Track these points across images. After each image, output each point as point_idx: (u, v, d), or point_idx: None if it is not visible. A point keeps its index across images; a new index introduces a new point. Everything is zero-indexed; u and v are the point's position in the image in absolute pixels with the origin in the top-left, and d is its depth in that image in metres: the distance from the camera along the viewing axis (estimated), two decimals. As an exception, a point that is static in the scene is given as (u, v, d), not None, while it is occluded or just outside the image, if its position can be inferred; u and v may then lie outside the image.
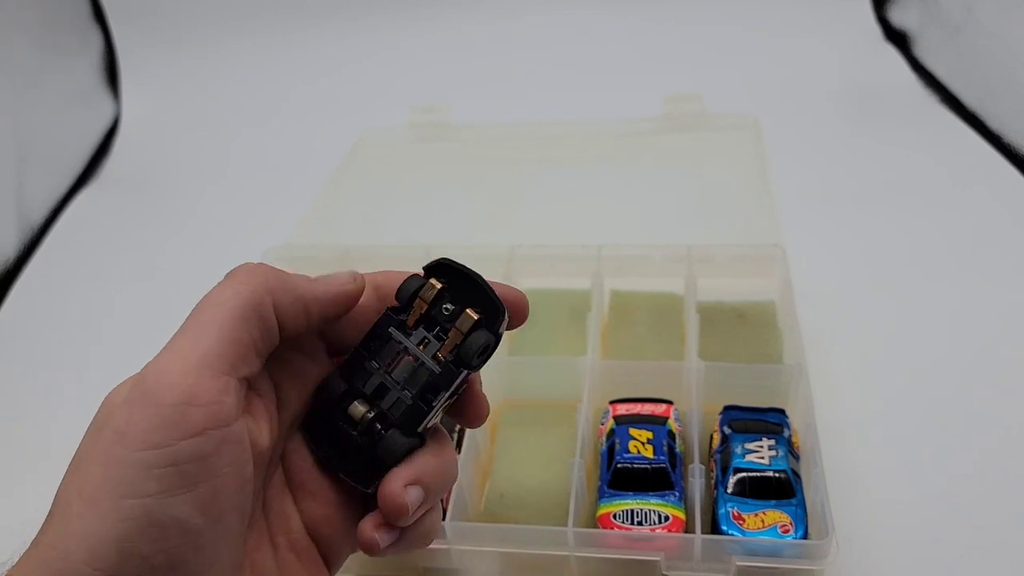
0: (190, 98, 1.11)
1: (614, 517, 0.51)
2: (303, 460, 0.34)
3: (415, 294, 0.34)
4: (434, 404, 0.33)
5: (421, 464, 0.33)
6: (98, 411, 0.30)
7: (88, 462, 0.28)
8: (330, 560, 0.35)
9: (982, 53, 0.90)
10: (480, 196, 0.89)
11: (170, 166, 1.04)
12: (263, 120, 1.08)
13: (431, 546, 0.51)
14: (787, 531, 0.49)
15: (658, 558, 0.49)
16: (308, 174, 0.94)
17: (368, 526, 0.33)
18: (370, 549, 0.33)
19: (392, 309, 0.35)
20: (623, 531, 0.50)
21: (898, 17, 1.03)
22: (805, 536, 0.49)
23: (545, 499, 0.55)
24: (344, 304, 0.34)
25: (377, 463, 0.33)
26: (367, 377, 0.34)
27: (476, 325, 0.34)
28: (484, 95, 1.02)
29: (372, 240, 0.82)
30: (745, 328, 0.66)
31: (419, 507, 0.33)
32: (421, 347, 0.34)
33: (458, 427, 0.59)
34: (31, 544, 0.28)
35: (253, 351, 0.31)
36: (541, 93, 1.02)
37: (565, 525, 0.50)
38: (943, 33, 0.95)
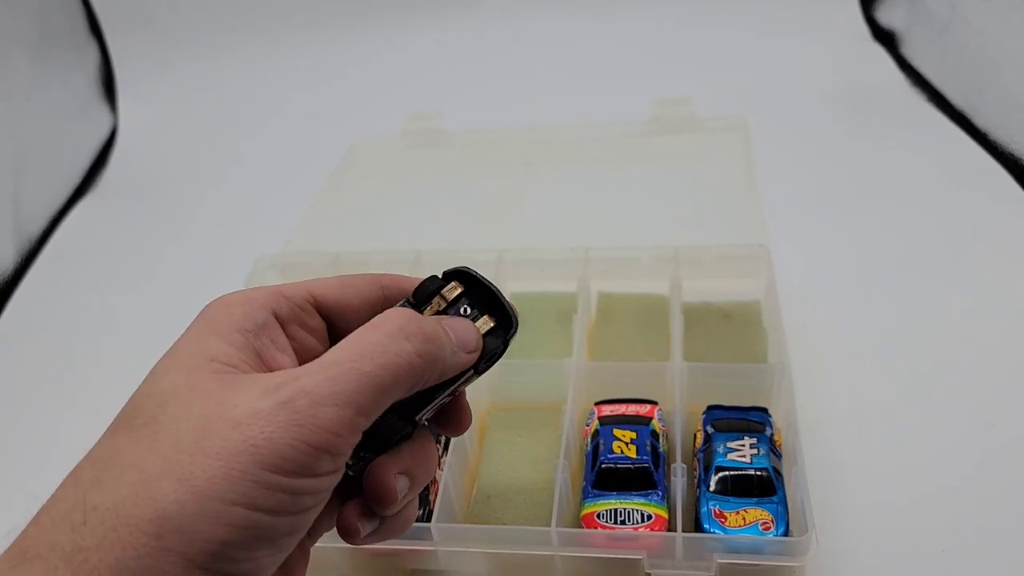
0: (185, 109, 1.13)
1: (598, 517, 0.52)
2: None
3: (435, 292, 0.36)
4: (435, 397, 0.34)
5: (409, 455, 0.34)
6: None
7: (198, 461, 0.27)
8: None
9: (968, 52, 0.90)
10: (471, 201, 0.90)
11: (166, 176, 1.05)
12: (258, 129, 1.09)
13: (418, 548, 0.52)
14: (768, 528, 0.50)
15: (640, 556, 0.50)
16: (304, 181, 0.94)
17: (352, 513, 0.33)
18: (351, 536, 0.33)
19: (407, 303, 0.36)
20: (606, 530, 0.51)
21: (886, 17, 1.03)
22: (786, 533, 0.50)
23: (532, 500, 0.56)
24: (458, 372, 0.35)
25: (369, 444, 0.33)
26: None
27: (490, 331, 0.36)
28: (476, 100, 1.03)
29: (366, 246, 0.83)
30: (731, 328, 0.67)
31: (404, 496, 0.34)
32: None
33: (445, 430, 0.60)
34: (69, 499, 0.27)
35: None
36: (532, 98, 1.03)
37: (549, 525, 0.51)
38: (930, 32, 0.96)
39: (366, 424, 0.30)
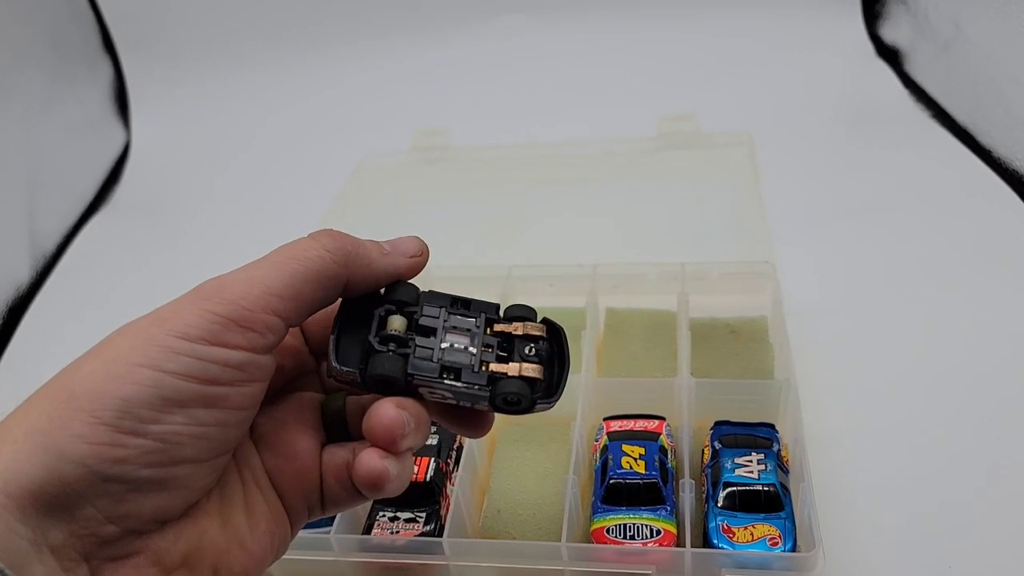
0: (197, 125, 1.14)
1: (607, 532, 0.53)
2: (263, 415, 0.36)
3: (521, 317, 0.37)
4: (447, 381, 0.35)
5: (409, 402, 0.35)
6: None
7: (115, 339, 0.31)
8: (291, 516, 0.36)
9: (972, 69, 0.91)
10: (479, 217, 0.91)
11: (179, 192, 1.06)
12: (269, 146, 1.10)
13: (430, 562, 0.53)
14: (776, 544, 0.50)
15: (650, 572, 0.50)
16: (313, 197, 0.96)
17: (372, 456, 0.34)
18: (381, 481, 0.34)
19: (489, 311, 0.37)
20: (615, 545, 0.52)
21: (890, 34, 1.04)
22: (794, 548, 0.50)
23: (541, 515, 0.57)
24: (409, 275, 0.37)
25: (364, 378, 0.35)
26: (432, 315, 0.36)
27: (529, 380, 0.35)
28: (483, 117, 1.04)
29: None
30: (737, 344, 0.68)
31: (407, 437, 0.34)
32: (482, 347, 0.36)
33: (456, 444, 0.61)
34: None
35: (308, 310, 0.34)
36: (538, 114, 1.04)
37: (560, 540, 0.51)
38: (934, 49, 0.97)
39: (280, 305, 0.32)
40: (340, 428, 0.37)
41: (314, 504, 0.36)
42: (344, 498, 0.36)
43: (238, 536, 0.34)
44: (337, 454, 0.36)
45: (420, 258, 0.37)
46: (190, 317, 0.31)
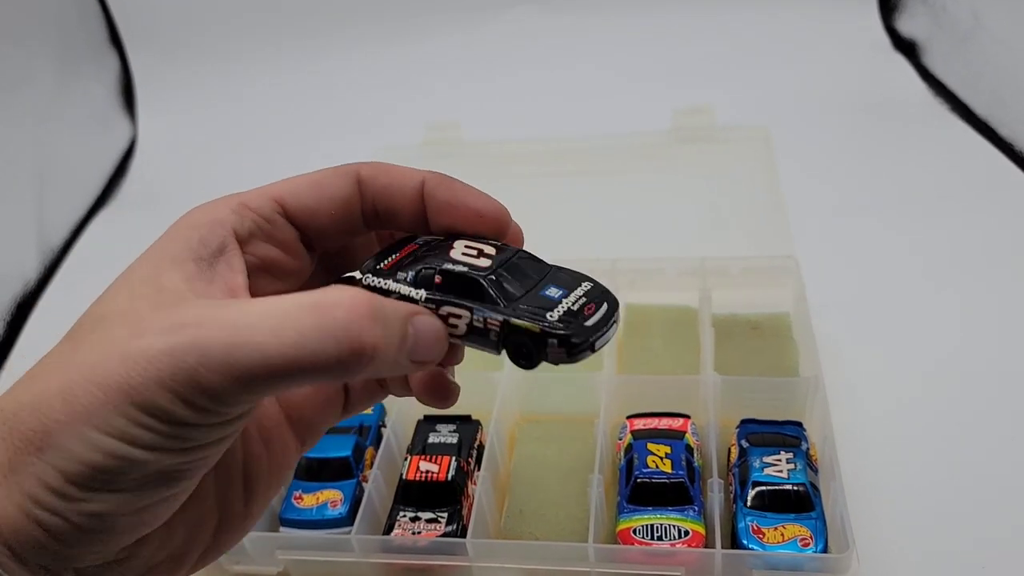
0: (205, 119, 1.13)
1: (634, 532, 0.52)
2: None
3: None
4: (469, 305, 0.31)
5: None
6: None
7: (92, 372, 0.27)
8: (305, 437, 0.36)
9: (991, 61, 0.90)
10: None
11: (186, 186, 1.05)
12: (278, 140, 1.09)
13: (453, 563, 0.52)
14: (807, 544, 0.49)
15: (679, 573, 0.49)
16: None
17: (440, 375, 0.34)
18: (450, 393, 0.35)
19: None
20: (643, 546, 0.51)
21: (907, 27, 1.03)
22: (825, 549, 0.49)
23: (564, 514, 0.56)
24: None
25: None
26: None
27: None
28: (496, 111, 1.03)
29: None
30: (760, 340, 0.67)
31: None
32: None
33: (476, 442, 0.60)
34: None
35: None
36: (553, 107, 1.03)
37: (584, 541, 0.50)
38: (952, 42, 0.96)
39: (252, 398, 0.28)
40: None
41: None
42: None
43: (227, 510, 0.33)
44: None
45: (428, 364, 0.31)
46: (156, 398, 0.27)
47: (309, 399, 0.36)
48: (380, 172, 0.34)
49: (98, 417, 0.26)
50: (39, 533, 0.27)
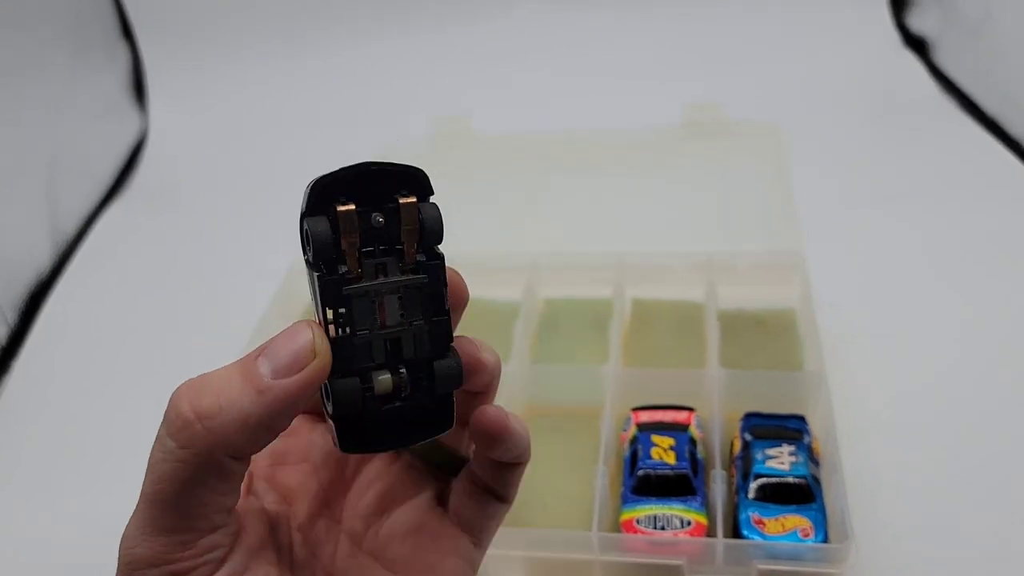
0: (216, 111, 1.13)
1: (637, 522, 0.52)
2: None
3: (335, 239, 0.27)
4: (446, 307, 0.29)
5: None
6: None
7: None
8: None
9: (1002, 58, 0.90)
10: (501, 205, 0.90)
11: (197, 178, 1.06)
12: (288, 132, 1.10)
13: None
14: (807, 535, 0.50)
15: (681, 562, 0.50)
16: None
17: (496, 411, 0.31)
18: (507, 432, 0.32)
19: (324, 274, 0.27)
20: (646, 536, 0.51)
21: (917, 23, 1.03)
22: (825, 540, 0.50)
23: (569, 505, 0.56)
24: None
25: (440, 400, 0.30)
26: (366, 350, 0.28)
27: (417, 206, 0.28)
28: (504, 104, 1.03)
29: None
30: (765, 335, 0.67)
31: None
32: (384, 276, 0.28)
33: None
34: None
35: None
36: (562, 101, 1.03)
37: (589, 530, 0.51)
38: (962, 39, 0.96)
39: (182, 543, 0.27)
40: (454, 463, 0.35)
41: None
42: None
43: None
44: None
45: (300, 376, 0.26)
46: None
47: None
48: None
49: None
50: None
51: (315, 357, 0.26)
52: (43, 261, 0.89)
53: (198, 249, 0.93)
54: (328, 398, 0.28)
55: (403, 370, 0.29)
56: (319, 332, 0.27)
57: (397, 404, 0.29)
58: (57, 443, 0.70)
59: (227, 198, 1.01)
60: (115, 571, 0.27)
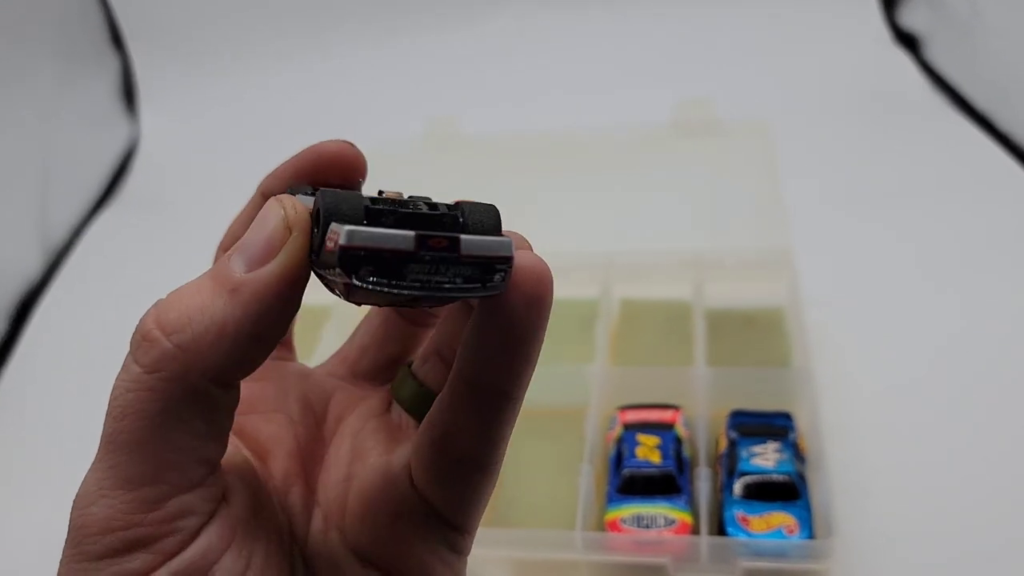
0: (206, 118, 1.13)
1: (622, 522, 0.52)
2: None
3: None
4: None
5: None
6: None
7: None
8: None
9: (991, 54, 0.90)
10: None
11: (188, 185, 1.06)
12: (280, 138, 1.08)
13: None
14: (792, 532, 0.50)
15: (665, 561, 0.49)
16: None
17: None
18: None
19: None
20: (630, 535, 0.51)
21: (907, 20, 1.03)
22: (810, 537, 0.50)
23: (555, 504, 0.56)
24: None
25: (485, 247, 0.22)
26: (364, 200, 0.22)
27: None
28: (493, 104, 1.03)
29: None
30: (754, 333, 0.67)
31: None
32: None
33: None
34: None
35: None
36: (552, 100, 1.03)
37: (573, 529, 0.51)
38: (953, 35, 0.95)
39: (146, 502, 0.22)
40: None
41: None
42: None
43: None
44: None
45: (272, 268, 0.21)
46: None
47: None
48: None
49: None
50: None
51: (291, 233, 0.21)
52: (33, 269, 0.89)
53: (189, 257, 0.92)
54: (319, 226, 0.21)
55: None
56: (293, 203, 0.22)
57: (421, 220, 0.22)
58: (47, 450, 0.70)
59: (218, 206, 0.99)
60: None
